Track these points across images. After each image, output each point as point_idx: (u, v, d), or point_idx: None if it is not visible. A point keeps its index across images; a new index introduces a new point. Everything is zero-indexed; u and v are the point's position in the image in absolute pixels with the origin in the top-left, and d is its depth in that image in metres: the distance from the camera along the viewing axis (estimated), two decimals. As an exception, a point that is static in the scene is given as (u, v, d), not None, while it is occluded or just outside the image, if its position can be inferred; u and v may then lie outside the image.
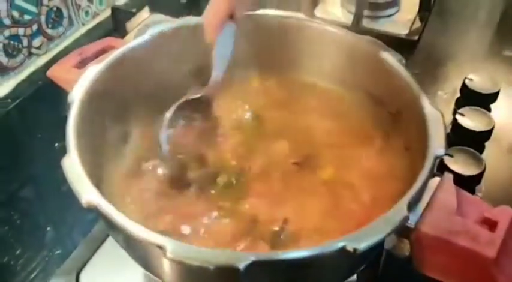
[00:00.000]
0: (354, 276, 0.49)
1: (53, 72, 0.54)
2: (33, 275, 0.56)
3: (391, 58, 0.51)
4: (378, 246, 0.36)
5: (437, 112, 0.44)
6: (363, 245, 0.34)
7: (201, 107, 0.53)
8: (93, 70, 0.48)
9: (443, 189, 0.40)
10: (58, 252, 0.58)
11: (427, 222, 0.38)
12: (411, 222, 0.38)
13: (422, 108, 0.45)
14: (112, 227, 0.39)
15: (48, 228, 0.60)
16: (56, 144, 0.66)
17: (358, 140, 0.53)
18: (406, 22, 0.88)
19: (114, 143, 0.51)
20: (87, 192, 0.38)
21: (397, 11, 0.91)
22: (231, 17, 0.51)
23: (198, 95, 0.53)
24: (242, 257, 0.33)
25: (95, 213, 0.40)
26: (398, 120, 0.51)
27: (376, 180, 0.49)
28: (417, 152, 0.44)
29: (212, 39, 0.51)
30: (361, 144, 0.53)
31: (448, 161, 0.61)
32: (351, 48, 0.55)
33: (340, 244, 0.34)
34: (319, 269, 0.37)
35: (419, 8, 0.90)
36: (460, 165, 0.61)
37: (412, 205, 0.37)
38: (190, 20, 0.56)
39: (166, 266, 0.38)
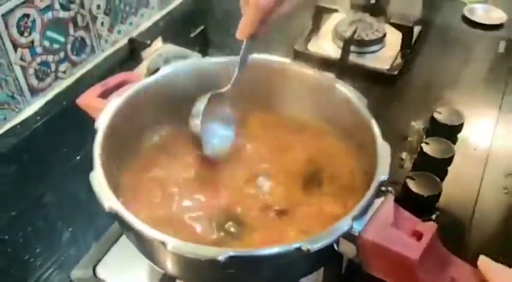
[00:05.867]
0: (321, 275, 0.58)
1: (81, 101, 0.61)
2: (49, 271, 0.60)
3: (353, 97, 0.59)
4: (329, 248, 0.45)
5: (387, 145, 0.52)
6: (315, 246, 0.43)
7: (221, 102, 0.60)
8: (115, 103, 0.56)
9: (385, 207, 0.47)
10: (72, 252, 0.62)
11: (369, 231, 0.45)
12: (355, 231, 0.45)
13: (376, 142, 0.53)
14: (126, 227, 0.47)
15: (65, 231, 0.65)
16: (78, 157, 0.73)
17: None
18: (388, 58, 0.94)
19: (131, 158, 0.59)
20: (109, 201, 0.47)
21: (381, 48, 0.97)
22: (253, 37, 0.56)
23: (223, 90, 0.59)
24: (223, 252, 0.42)
25: (111, 217, 0.47)
26: (362, 151, 0.59)
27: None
28: (371, 176, 0.51)
29: (245, 35, 0.55)
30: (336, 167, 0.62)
31: (410, 183, 0.70)
32: (323, 88, 0.62)
33: (297, 245, 0.43)
34: (282, 264, 0.46)
35: (401, 46, 0.96)
36: (421, 187, 0.69)
37: (356, 217, 0.46)
38: (197, 60, 0.65)
39: (168, 258, 0.47)
